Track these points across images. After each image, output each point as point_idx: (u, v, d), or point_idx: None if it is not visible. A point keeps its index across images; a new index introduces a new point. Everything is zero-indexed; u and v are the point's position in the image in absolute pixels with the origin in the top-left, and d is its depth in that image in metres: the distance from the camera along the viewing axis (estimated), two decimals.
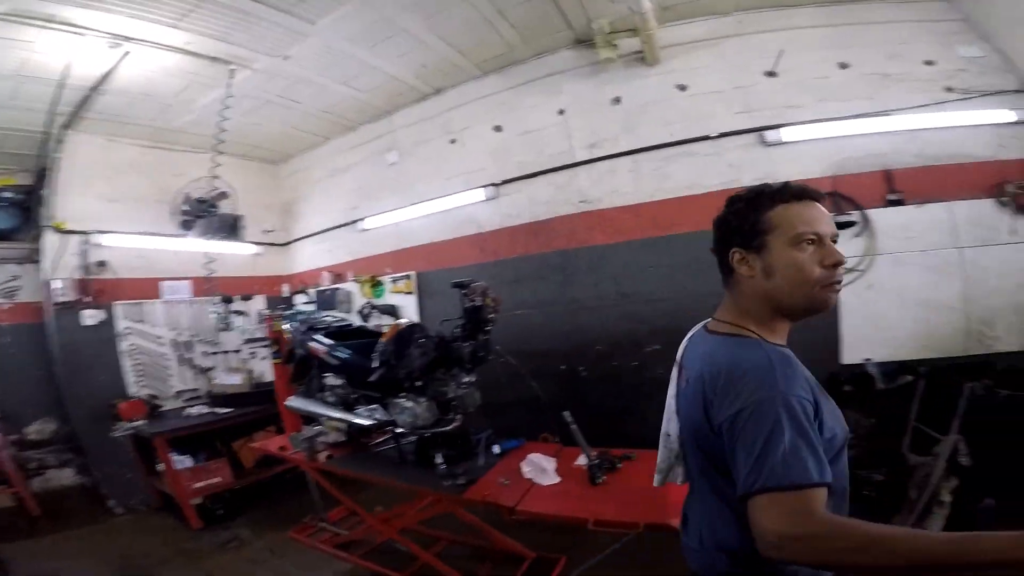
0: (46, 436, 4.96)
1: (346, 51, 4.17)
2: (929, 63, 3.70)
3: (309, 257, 6.19)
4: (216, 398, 5.03)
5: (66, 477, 4.97)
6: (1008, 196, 3.48)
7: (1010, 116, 3.56)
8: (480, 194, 4.75)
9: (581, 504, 2.40)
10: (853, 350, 3.66)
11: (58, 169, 4.86)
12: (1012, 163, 3.53)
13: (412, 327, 3.27)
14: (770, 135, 3.83)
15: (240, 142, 5.68)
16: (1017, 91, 3.56)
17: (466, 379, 3.12)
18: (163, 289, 5.33)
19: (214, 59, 4.11)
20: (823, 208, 1.20)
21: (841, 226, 3.46)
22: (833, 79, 3.80)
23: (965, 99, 3.59)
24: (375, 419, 3.27)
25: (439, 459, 2.91)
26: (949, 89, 3.63)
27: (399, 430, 3.21)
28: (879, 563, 0.85)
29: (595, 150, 4.27)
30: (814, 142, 3.78)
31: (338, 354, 3.43)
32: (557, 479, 2.67)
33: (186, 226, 5.39)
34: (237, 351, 5.63)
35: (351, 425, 3.39)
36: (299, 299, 6.11)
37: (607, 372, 4.08)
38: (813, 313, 1.19)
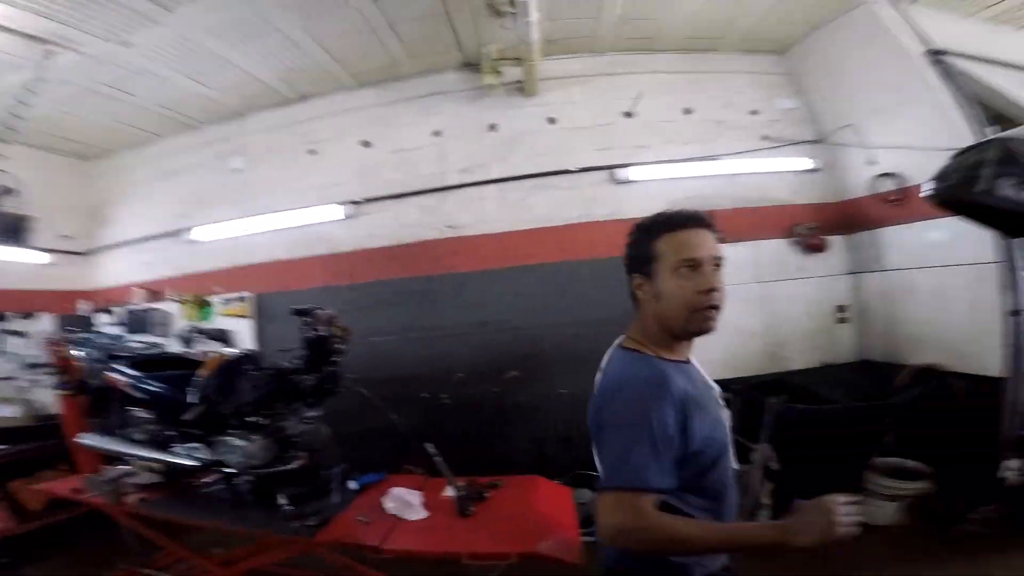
0: None
1: (203, 44, 3.64)
2: (754, 112, 4.31)
3: (120, 271, 5.14)
4: None
5: None
6: (798, 237, 4.14)
7: (807, 164, 4.25)
8: (339, 211, 4.38)
9: (452, 537, 2.25)
10: None
11: None
12: (804, 207, 4.22)
13: (241, 358, 2.89)
14: (619, 173, 4.13)
15: (46, 132, 4.63)
16: (815, 141, 4.28)
17: (310, 413, 2.79)
18: None
19: (28, 36, 3.30)
20: (707, 233, 1.29)
21: None
22: (678, 123, 4.25)
23: (777, 147, 4.23)
24: (197, 459, 2.78)
25: (283, 499, 2.53)
26: (765, 137, 4.24)
27: (230, 470, 2.74)
28: (681, 550, 1.15)
29: (467, 175, 4.23)
30: (656, 182, 4.14)
31: (146, 387, 2.88)
32: (425, 513, 2.47)
33: None
34: (12, 379, 4.44)
35: (168, 465, 2.86)
36: (102, 319, 5.05)
37: (469, 399, 3.96)
38: (692, 336, 1.29)
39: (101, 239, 5.23)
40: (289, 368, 2.75)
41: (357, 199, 4.35)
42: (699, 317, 1.24)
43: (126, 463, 3.05)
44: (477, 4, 3.41)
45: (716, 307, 1.25)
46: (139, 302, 4.91)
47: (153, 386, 2.87)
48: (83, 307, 5.10)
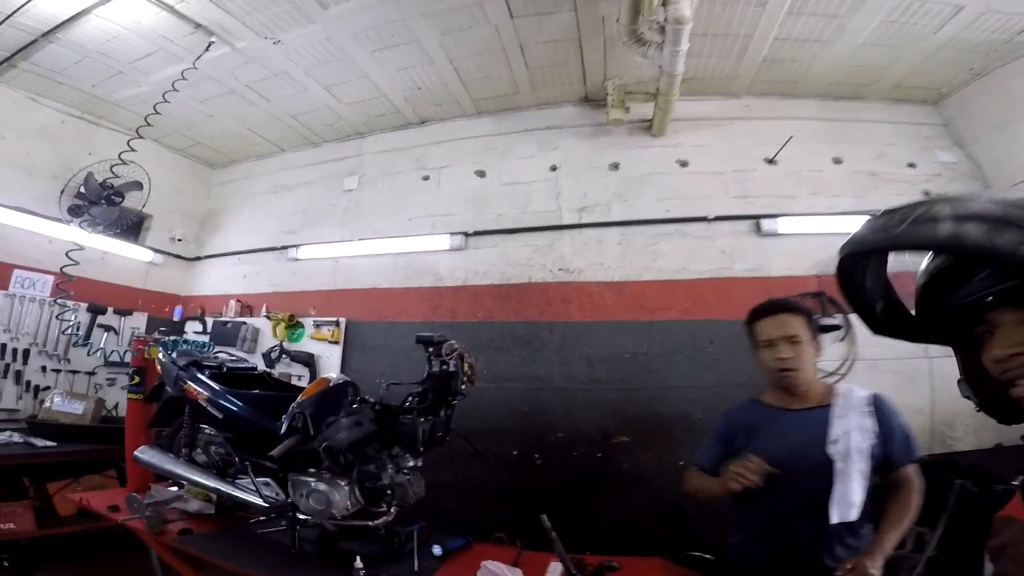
0: None
1: (345, 49, 3.41)
2: (911, 165, 3.58)
3: (218, 280, 4.80)
4: (39, 427, 3.40)
5: None
6: None
7: None
8: (445, 241, 3.87)
9: None
10: None
11: None
12: None
13: (345, 385, 2.28)
14: (766, 224, 3.42)
15: (182, 133, 4.58)
16: None
17: (411, 463, 2.13)
18: (14, 279, 3.75)
19: (198, 25, 3.20)
20: (781, 317, 1.72)
21: (825, 329, 3.00)
22: (826, 173, 3.57)
23: None
24: (267, 499, 2.18)
25: (359, 562, 1.84)
26: (926, 193, 3.47)
27: (301, 516, 2.10)
28: (700, 496, 1.75)
29: (584, 215, 3.64)
30: (805, 236, 3.40)
31: (226, 404, 2.31)
32: None
33: (75, 212, 3.99)
34: (91, 373, 4.04)
35: (227, 497, 2.29)
36: (192, 326, 4.66)
37: (566, 462, 3.18)
38: (782, 389, 1.73)
39: (208, 247, 4.97)
40: (398, 406, 2.16)
41: (467, 231, 3.84)
42: (777, 377, 1.70)
43: (179, 485, 2.51)
44: (611, 33, 3.00)
45: (789, 370, 1.67)
46: (230, 314, 4.49)
47: (234, 404, 2.30)
48: (177, 312, 4.75)
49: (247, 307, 4.50)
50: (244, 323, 4.39)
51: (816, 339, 1.73)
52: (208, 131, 4.54)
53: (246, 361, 3.00)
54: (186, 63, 3.36)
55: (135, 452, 2.50)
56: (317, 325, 4.13)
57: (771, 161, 3.57)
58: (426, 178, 4.11)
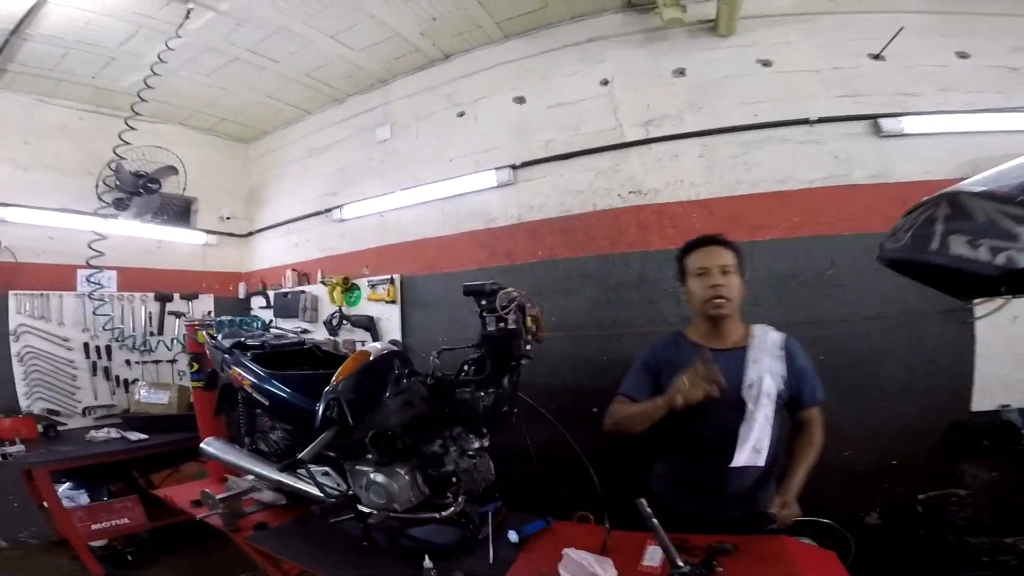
0: None
1: None
2: None
3: (273, 252, 4.66)
4: (132, 420, 3.48)
5: None
6: None
7: None
8: (491, 178, 3.37)
9: None
10: (987, 395, 2.51)
11: None
12: None
13: (390, 357, 1.91)
14: (887, 124, 2.64)
15: (204, 112, 4.32)
16: None
17: (476, 444, 1.77)
18: (80, 279, 3.77)
19: None
20: (715, 249, 1.77)
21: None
22: (953, 68, 2.73)
23: None
24: (326, 490, 1.94)
25: (429, 561, 1.56)
26: None
27: (363, 509, 1.82)
28: (626, 424, 1.74)
29: (652, 128, 2.98)
30: (940, 136, 2.63)
31: (271, 389, 2.04)
32: None
33: (119, 205, 3.90)
34: (172, 361, 4.09)
35: (290, 489, 2.09)
36: (257, 302, 4.60)
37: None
38: (710, 319, 1.76)
39: (258, 220, 4.81)
40: (453, 379, 1.78)
41: (514, 163, 3.31)
42: (708, 306, 1.73)
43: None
44: None
45: (721, 297, 1.71)
46: (289, 285, 4.35)
47: (279, 389, 2.04)
48: (241, 289, 4.70)
49: (303, 275, 4.33)
50: (303, 292, 4.23)
51: (743, 277, 1.79)
52: (228, 105, 4.23)
53: (291, 334, 2.76)
54: (173, 39, 3.08)
55: (201, 444, 2.38)
56: (372, 285, 3.86)
57: (877, 57, 2.75)
58: (461, 114, 3.58)
